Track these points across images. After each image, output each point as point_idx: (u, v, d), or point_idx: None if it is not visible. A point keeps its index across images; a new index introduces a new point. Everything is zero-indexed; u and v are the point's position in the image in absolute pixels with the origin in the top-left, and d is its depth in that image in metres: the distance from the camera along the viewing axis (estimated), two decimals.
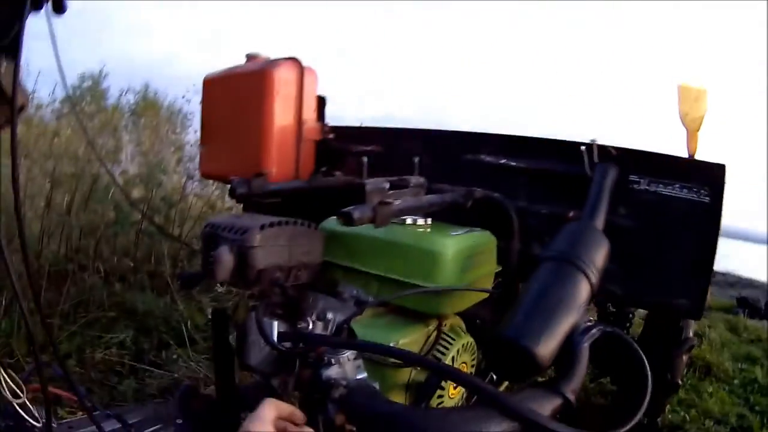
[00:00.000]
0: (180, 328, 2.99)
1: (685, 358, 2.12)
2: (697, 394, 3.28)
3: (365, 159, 1.39)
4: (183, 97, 5.64)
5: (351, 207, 1.18)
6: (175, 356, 2.80)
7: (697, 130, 1.71)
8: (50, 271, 3.19)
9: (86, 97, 6.15)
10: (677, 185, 1.50)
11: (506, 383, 1.75)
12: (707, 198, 1.47)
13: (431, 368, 1.22)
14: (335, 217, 1.49)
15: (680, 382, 2.13)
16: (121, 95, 6.26)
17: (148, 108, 6.03)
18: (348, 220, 1.15)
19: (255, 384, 1.45)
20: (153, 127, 5.62)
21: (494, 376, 1.64)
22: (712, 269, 1.53)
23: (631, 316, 2.51)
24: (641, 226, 1.56)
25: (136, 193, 3.93)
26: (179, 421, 1.35)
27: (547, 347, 0.99)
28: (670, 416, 2.89)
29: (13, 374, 1.14)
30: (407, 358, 1.17)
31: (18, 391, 1.11)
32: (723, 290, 8.63)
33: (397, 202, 1.28)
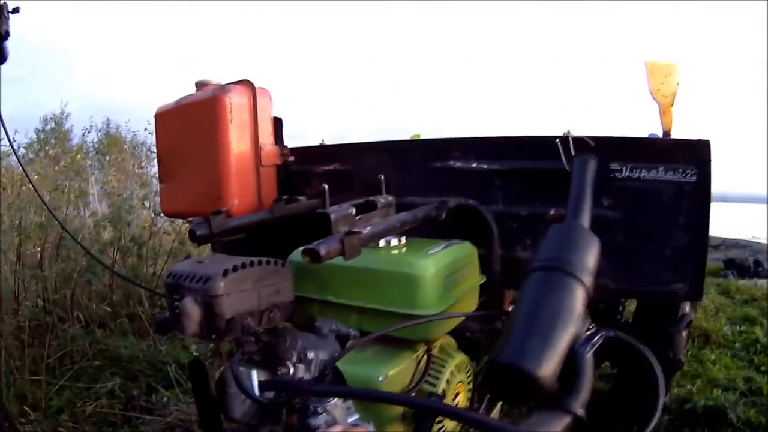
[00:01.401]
0: (166, 369, 2.90)
1: (684, 334, 2.07)
2: (699, 364, 3.20)
3: (326, 186, 1.30)
4: (145, 129, 5.58)
5: (316, 242, 1.09)
6: (165, 399, 2.71)
7: (671, 106, 1.67)
8: (30, 325, 3.11)
9: (50, 140, 6.05)
10: (661, 168, 1.44)
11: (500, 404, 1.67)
12: (694, 177, 1.41)
13: (425, 409, 1.14)
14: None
15: (683, 358, 2.09)
16: (84, 134, 6.19)
17: (112, 145, 5.94)
18: (314, 257, 1.06)
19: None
20: (119, 164, 5.50)
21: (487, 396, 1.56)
22: (707, 248, 1.48)
23: (622, 302, 2.45)
24: (628, 216, 1.50)
25: (107, 235, 3.83)
26: None
27: (549, 366, 0.92)
28: (676, 391, 2.79)
29: None
30: (400, 402, 1.10)
31: None
32: (709, 254, 8.66)
33: (366, 229, 1.19)
